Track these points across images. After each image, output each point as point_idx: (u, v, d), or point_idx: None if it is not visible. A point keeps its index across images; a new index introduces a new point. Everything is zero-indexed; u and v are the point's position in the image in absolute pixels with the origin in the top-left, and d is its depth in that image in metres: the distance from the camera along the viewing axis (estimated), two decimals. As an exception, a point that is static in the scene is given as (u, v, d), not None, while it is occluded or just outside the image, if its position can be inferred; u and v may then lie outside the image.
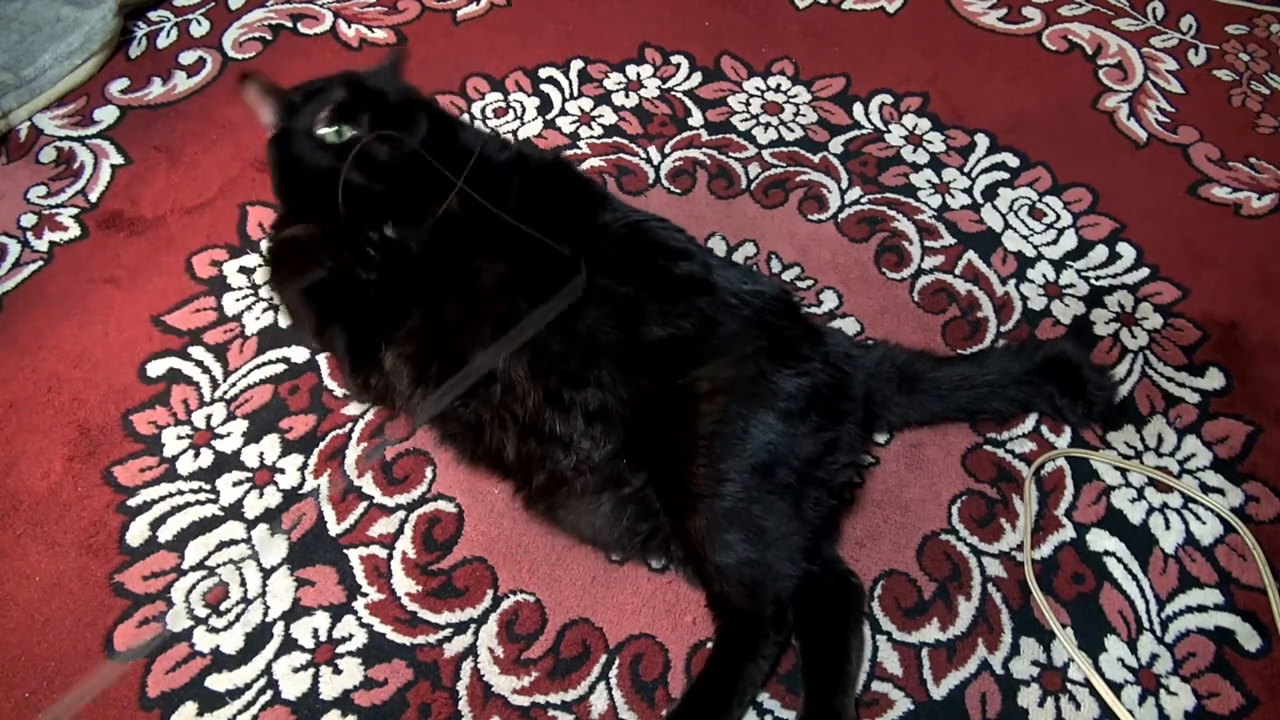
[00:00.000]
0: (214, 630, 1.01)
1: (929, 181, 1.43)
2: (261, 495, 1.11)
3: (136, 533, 1.07)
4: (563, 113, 1.52)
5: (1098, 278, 1.32)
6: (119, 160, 1.45)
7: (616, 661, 0.99)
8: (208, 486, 1.11)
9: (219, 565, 1.05)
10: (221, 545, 1.07)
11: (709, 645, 0.99)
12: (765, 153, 1.47)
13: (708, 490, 0.93)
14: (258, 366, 1.21)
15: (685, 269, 1.05)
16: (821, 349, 1.03)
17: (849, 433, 1.02)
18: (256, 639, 1.00)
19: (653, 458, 0.97)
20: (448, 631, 1.01)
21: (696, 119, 1.52)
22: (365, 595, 1.03)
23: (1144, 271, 1.33)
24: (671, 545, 1.01)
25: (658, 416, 0.97)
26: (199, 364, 1.22)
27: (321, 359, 1.22)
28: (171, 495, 1.10)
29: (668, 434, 0.96)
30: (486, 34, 1.65)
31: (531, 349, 0.99)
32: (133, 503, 1.10)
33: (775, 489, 0.95)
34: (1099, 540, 1.07)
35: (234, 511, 1.09)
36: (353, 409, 1.18)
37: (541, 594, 1.04)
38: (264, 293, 1.29)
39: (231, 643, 1.00)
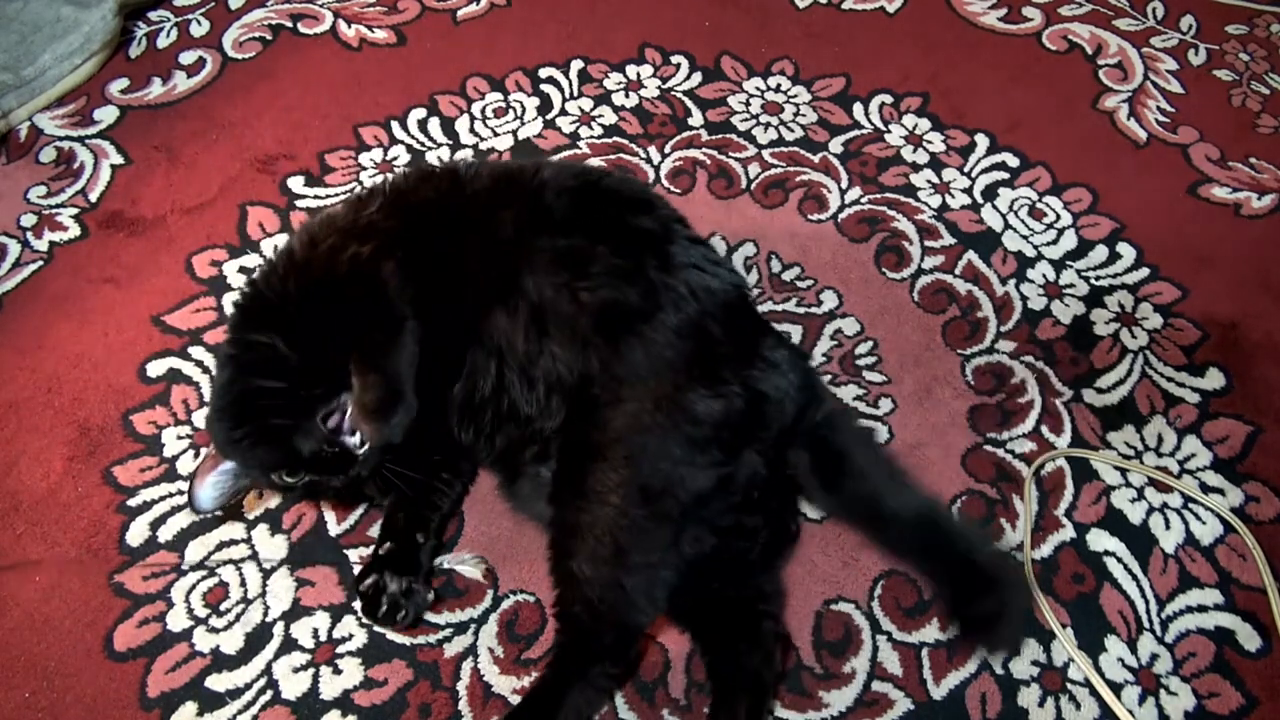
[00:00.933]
0: (214, 630, 1.01)
1: (929, 181, 1.43)
2: (261, 495, 1.11)
3: (136, 533, 1.07)
4: (563, 113, 1.52)
5: (1098, 278, 1.32)
6: (119, 160, 1.45)
7: (616, 661, 0.99)
8: (208, 486, 1.11)
9: (219, 565, 1.05)
10: (221, 545, 1.07)
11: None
12: (765, 153, 1.47)
13: (594, 494, 0.90)
14: (258, 366, 1.21)
15: (643, 224, 1.00)
16: (743, 373, 0.95)
17: (748, 463, 0.95)
18: (256, 639, 1.00)
19: (565, 445, 0.95)
20: (448, 631, 1.01)
21: (696, 119, 1.52)
22: (365, 595, 1.03)
23: (1144, 271, 1.33)
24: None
25: (581, 406, 0.94)
26: (199, 364, 1.22)
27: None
28: (171, 495, 1.10)
29: (584, 426, 0.93)
30: (486, 34, 1.65)
31: (501, 343, 0.96)
32: (133, 503, 1.10)
33: (656, 516, 0.90)
34: (1099, 540, 1.07)
35: (234, 511, 1.09)
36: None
37: (541, 594, 1.04)
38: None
39: (231, 643, 1.00)
